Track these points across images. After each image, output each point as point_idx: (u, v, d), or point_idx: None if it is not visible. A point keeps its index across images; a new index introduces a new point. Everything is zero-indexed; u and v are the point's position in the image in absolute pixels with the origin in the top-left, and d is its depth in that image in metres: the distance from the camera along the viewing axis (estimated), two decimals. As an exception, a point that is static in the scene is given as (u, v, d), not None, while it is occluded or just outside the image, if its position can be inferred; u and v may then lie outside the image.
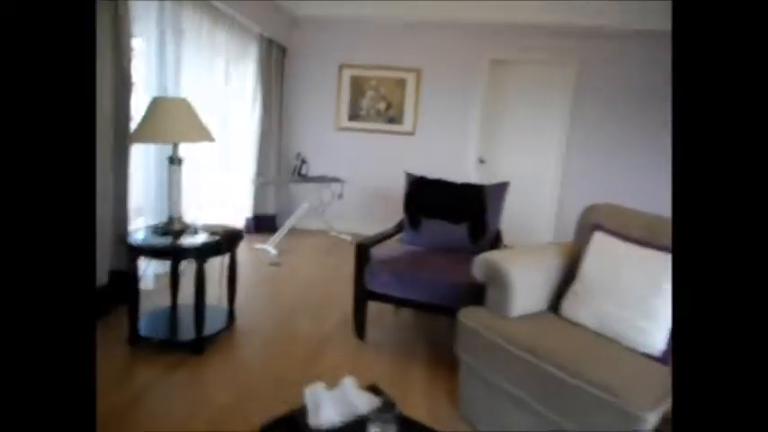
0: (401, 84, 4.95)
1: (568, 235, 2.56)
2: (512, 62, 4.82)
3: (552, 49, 4.69)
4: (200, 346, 2.25)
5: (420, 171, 4.97)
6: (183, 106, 2.28)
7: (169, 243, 2.20)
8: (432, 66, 4.89)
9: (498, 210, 2.75)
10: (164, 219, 3.10)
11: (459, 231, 2.73)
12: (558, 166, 4.85)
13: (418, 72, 4.91)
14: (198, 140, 2.27)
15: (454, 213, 2.76)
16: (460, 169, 4.99)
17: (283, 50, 4.96)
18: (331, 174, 5.06)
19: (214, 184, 4.02)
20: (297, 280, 3.51)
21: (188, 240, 2.24)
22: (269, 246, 4.17)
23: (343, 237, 4.91)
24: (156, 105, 2.23)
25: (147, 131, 2.19)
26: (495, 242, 2.70)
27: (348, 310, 2.93)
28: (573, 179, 4.83)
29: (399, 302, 2.36)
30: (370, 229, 5.12)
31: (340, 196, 4.83)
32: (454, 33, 4.82)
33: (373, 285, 2.39)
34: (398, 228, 2.94)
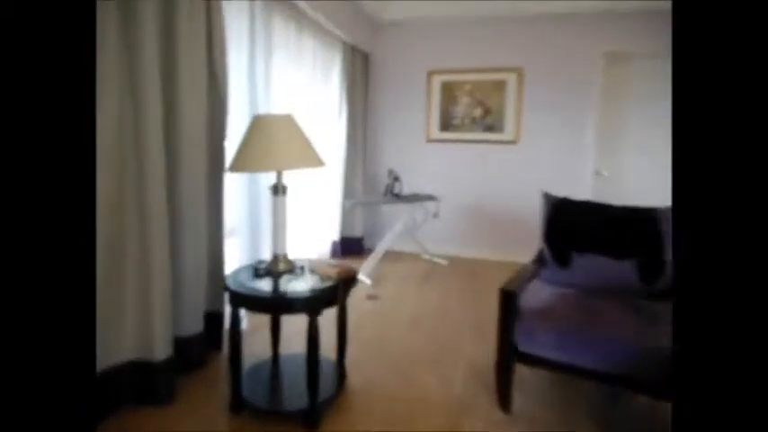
0: (500, 86, 4.38)
1: None
2: (629, 55, 4.10)
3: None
4: (315, 418, 1.82)
5: (523, 186, 4.36)
6: (289, 125, 1.89)
7: (275, 292, 1.79)
8: (535, 63, 4.29)
9: (677, 240, 2.10)
10: (256, 241, 2.81)
11: (626, 269, 2.12)
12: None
13: (519, 72, 4.32)
14: (308, 166, 1.87)
15: (616, 246, 2.15)
16: (574, 183, 4.31)
17: (366, 57, 4.58)
18: (422, 190, 4.58)
19: (300, 207, 3.68)
20: (401, 317, 3.04)
21: (296, 286, 1.83)
22: (362, 274, 3.74)
23: (438, 260, 4.39)
24: (259, 125, 1.85)
25: (251, 158, 1.81)
26: (677, 283, 2.06)
27: (475, 360, 2.41)
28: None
29: (565, 370, 1.79)
30: (466, 252, 4.57)
31: (435, 215, 4.33)
32: (559, 23, 4.19)
33: (527, 345, 1.85)
34: (537, 262, 2.37)
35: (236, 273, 1.97)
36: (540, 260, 2.36)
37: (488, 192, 4.53)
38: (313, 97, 3.75)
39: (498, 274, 4.09)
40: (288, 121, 1.89)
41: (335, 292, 1.85)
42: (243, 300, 1.78)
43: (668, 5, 3.85)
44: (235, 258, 2.66)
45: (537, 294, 2.10)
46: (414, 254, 4.61)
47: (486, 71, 4.39)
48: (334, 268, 1.95)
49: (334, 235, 4.35)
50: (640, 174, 4.23)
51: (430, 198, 4.16)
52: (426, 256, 4.49)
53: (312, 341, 1.78)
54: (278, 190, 1.93)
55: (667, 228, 2.10)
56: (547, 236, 2.29)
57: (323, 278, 1.89)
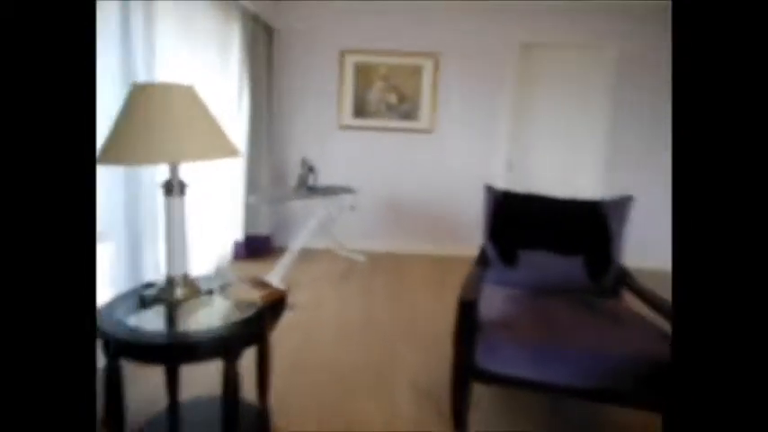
0: (416, 72, 4.16)
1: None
2: (545, 46, 4.15)
3: (591, 31, 4.05)
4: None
5: (439, 175, 4.22)
6: (188, 99, 1.39)
7: (172, 333, 1.31)
8: (452, 50, 4.13)
9: (621, 234, 2.03)
10: (136, 252, 2.20)
11: (573, 266, 2.00)
12: (600, 173, 4.24)
13: (436, 57, 4.13)
14: (217, 156, 1.40)
15: (563, 241, 2.03)
16: (487, 174, 4.28)
17: (270, 32, 4.03)
18: (337, 181, 4.20)
19: (195, 203, 3.08)
20: (324, 330, 2.66)
21: (203, 319, 1.37)
22: (274, 278, 3.27)
23: (356, 257, 4.07)
24: (141, 99, 1.33)
25: (130, 145, 1.28)
26: (622, 279, 1.99)
27: (417, 375, 2.14)
28: (617, 189, 4.23)
29: (536, 387, 1.59)
30: (384, 245, 4.32)
31: (352, 209, 3.99)
32: (478, 11, 4.08)
33: (488, 362, 1.61)
34: (480, 261, 2.17)
35: (112, 305, 1.43)
36: (482, 259, 2.16)
37: (405, 182, 4.31)
38: (207, 76, 3.14)
39: (418, 268, 3.90)
40: (186, 94, 1.39)
41: (260, 324, 1.42)
42: (124, 347, 1.26)
43: (579, 2, 3.94)
44: (104, 277, 2.04)
45: (487, 300, 1.89)
46: (328, 250, 4.23)
47: (403, 55, 4.13)
48: (255, 289, 1.51)
49: (237, 234, 3.78)
50: (545, 164, 4.33)
51: (346, 190, 3.80)
52: (342, 253, 4.14)
53: (231, 387, 1.34)
54: (173, 188, 1.43)
55: (612, 222, 2.02)
56: (491, 233, 2.09)
57: (241, 305, 1.45)
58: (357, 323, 2.76)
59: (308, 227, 3.62)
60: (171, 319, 1.37)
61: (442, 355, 2.35)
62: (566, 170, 4.34)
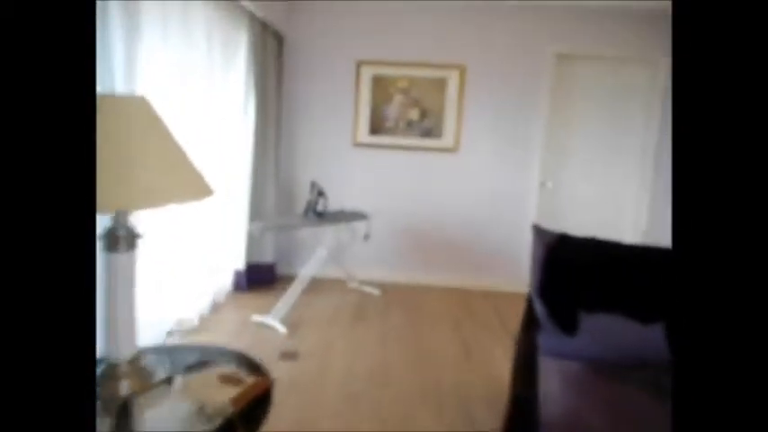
0: (440, 85, 3.76)
1: None
2: (583, 58, 3.72)
3: (636, 42, 3.62)
4: None
5: (464, 199, 3.78)
6: (140, 118, 1.00)
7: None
8: (480, 61, 3.73)
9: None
10: None
11: (651, 336, 1.54)
12: (644, 194, 3.76)
13: (462, 69, 3.73)
14: (180, 200, 1.00)
15: (639, 303, 1.57)
16: (518, 196, 3.83)
17: (281, 40, 3.69)
18: (349, 206, 3.80)
19: (187, 234, 2.70)
20: (331, 386, 2.23)
21: (158, 426, 0.96)
22: (272, 319, 2.86)
23: (369, 289, 3.64)
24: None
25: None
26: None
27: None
28: (663, 210, 3.74)
29: None
30: (401, 277, 3.88)
31: (366, 237, 3.57)
32: (508, 17, 3.68)
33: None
34: (527, 324, 1.72)
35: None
36: (530, 320, 1.71)
37: (425, 206, 3.89)
38: (207, 87, 2.78)
39: (440, 303, 3.44)
40: (137, 109, 1.00)
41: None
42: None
43: (622, 6, 3.51)
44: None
45: (538, 380, 1.44)
46: (338, 281, 3.81)
47: (425, 66, 3.74)
48: (228, 384, 1.10)
49: (238, 263, 3.39)
50: (584, 184, 3.87)
51: (360, 216, 3.39)
52: (354, 285, 3.72)
53: None
54: (115, 241, 1.02)
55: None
56: (541, 287, 1.65)
57: (205, 411, 1.03)
58: (370, 379, 2.32)
59: (316, 257, 3.21)
60: (116, 427, 0.95)
61: (472, 425, 1.90)
62: (605, 194, 3.87)
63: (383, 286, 3.76)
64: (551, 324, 1.62)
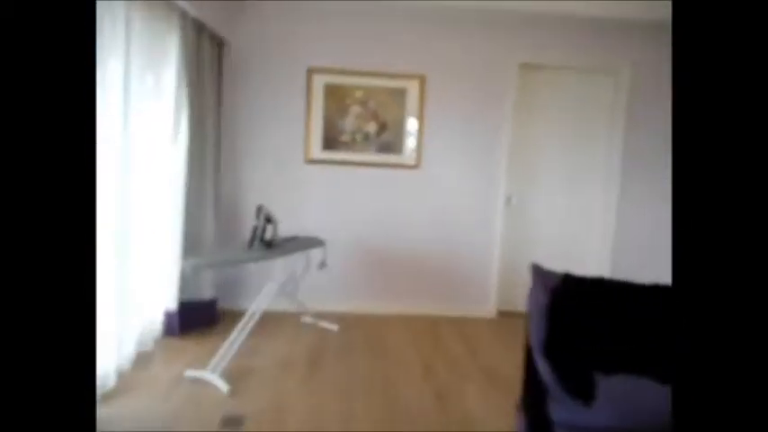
0: (399, 96, 3.45)
1: None
2: (547, 68, 3.55)
3: (599, 52, 3.49)
4: None
5: (428, 219, 3.48)
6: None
7: None
8: (440, 71, 3.46)
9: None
10: None
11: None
12: (611, 210, 3.61)
13: (422, 79, 3.44)
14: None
15: (666, 359, 1.29)
16: (483, 213, 3.57)
17: (220, 44, 3.25)
18: (302, 230, 3.38)
19: (100, 271, 2.20)
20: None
21: None
22: (210, 373, 2.38)
23: (326, 325, 3.22)
24: None
25: None
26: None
27: None
28: (631, 223, 3.61)
29: None
30: (361, 306, 3.50)
31: (322, 265, 3.16)
32: (471, 26, 3.45)
33: None
34: (528, 395, 1.39)
35: None
36: (533, 387, 1.38)
37: (386, 228, 3.54)
38: (125, 98, 2.30)
39: (406, 336, 3.09)
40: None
41: None
42: None
43: (587, 16, 3.37)
44: None
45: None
46: (290, 315, 3.37)
47: (383, 75, 3.42)
48: None
49: (169, 302, 2.88)
50: (549, 200, 3.68)
51: (315, 243, 2.99)
52: (309, 319, 3.29)
53: None
54: None
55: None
56: (547, 346, 1.33)
57: None
58: (332, 449, 1.91)
59: (264, 292, 2.76)
60: None
61: None
62: (572, 208, 3.70)
63: (342, 319, 3.35)
64: (562, 390, 1.30)
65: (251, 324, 2.61)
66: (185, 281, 2.93)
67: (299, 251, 2.82)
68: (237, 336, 2.53)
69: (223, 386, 2.31)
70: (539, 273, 1.40)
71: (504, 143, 3.52)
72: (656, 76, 3.50)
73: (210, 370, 2.39)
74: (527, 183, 3.66)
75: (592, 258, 3.72)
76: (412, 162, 3.50)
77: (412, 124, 3.46)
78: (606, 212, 3.65)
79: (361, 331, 3.19)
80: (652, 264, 3.60)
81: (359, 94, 3.42)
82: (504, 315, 3.67)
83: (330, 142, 3.45)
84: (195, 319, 3.03)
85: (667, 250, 3.62)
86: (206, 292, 3.11)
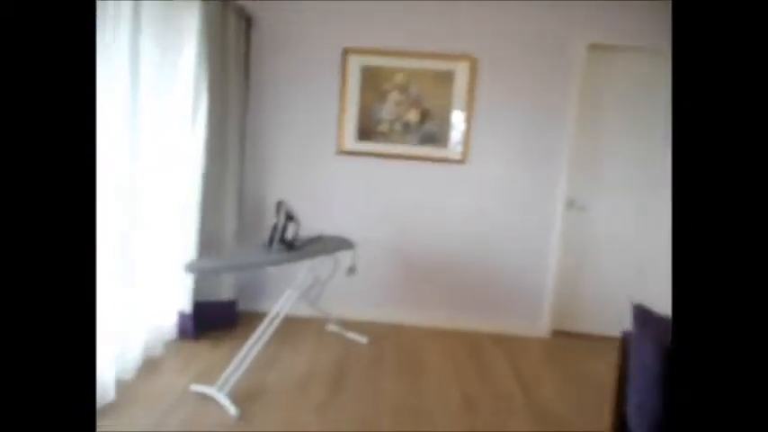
0: (445, 79, 3.03)
1: None
2: (621, 49, 3.02)
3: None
4: None
5: (474, 221, 3.05)
6: None
7: None
8: (495, 52, 3.01)
9: None
10: None
11: None
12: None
13: (472, 62, 3.01)
14: None
15: None
16: (540, 218, 3.10)
17: (248, 21, 2.95)
18: (330, 230, 3.05)
19: (106, 271, 1.95)
20: None
21: None
22: (218, 390, 2.08)
23: (353, 336, 2.88)
24: None
25: None
26: None
27: None
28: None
29: None
30: (394, 316, 3.13)
31: (351, 272, 2.82)
32: (531, 0, 2.97)
33: None
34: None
35: None
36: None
37: (425, 231, 3.14)
38: (133, 82, 2.03)
39: (444, 356, 2.69)
40: None
41: None
42: None
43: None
44: None
45: None
46: (314, 321, 3.05)
47: (427, 57, 3.01)
48: None
49: (184, 303, 2.62)
50: (617, 204, 3.15)
51: (343, 244, 2.64)
52: (334, 328, 2.95)
53: None
54: None
55: None
56: (660, 428, 0.90)
57: None
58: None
59: (285, 298, 2.44)
60: None
61: None
62: (645, 212, 3.15)
63: (372, 330, 3.00)
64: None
65: (270, 331, 2.30)
66: (202, 281, 2.66)
67: (325, 254, 2.48)
68: (253, 345, 2.23)
69: (231, 408, 2.00)
70: (644, 318, 0.97)
71: (568, 138, 3.02)
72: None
73: (219, 386, 2.09)
74: (593, 185, 3.15)
75: (664, 276, 3.16)
76: (458, 156, 3.07)
77: (459, 113, 3.04)
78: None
79: (392, 346, 2.82)
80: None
81: (399, 77, 3.03)
82: (560, 335, 3.19)
83: (366, 132, 3.08)
84: (212, 321, 2.77)
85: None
86: (225, 293, 2.84)
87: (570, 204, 3.14)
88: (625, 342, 1.06)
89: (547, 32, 2.98)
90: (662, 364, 0.91)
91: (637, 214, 3.15)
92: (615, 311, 3.21)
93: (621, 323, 3.21)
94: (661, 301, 3.16)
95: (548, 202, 3.08)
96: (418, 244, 3.14)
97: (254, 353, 2.22)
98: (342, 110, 3.06)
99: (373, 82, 3.04)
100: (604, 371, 2.68)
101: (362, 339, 2.84)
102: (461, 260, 3.14)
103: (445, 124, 3.05)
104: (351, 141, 3.09)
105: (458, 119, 3.04)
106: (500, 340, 3.05)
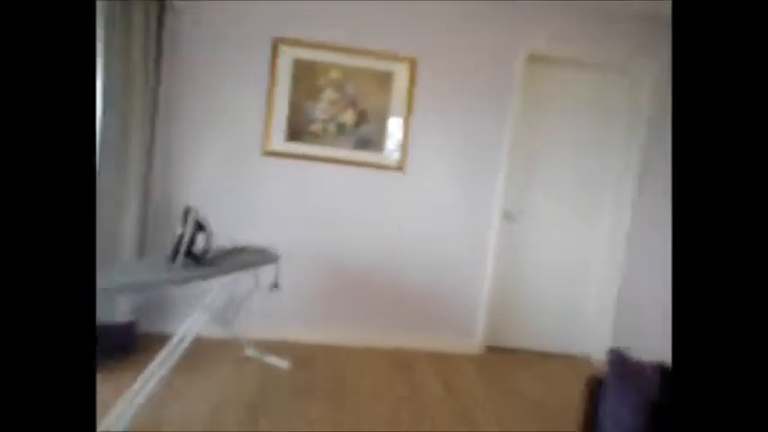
0: (383, 81, 2.84)
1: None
2: (561, 62, 3.00)
3: (622, 45, 2.96)
4: None
5: (410, 232, 2.88)
6: None
7: None
8: (435, 55, 2.87)
9: None
10: None
11: None
12: (622, 231, 3.08)
13: (412, 64, 2.84)
14: None
15: None
16: (475, 229, 2.99)
17: (161, 5, 2.56)
18: (251, 240, 2.73)
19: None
20: None
21: None
22: (113, 426, 1.70)
23: (274, 361, 2.57)
24: None
25: None
26: None
27: None
28: (643, 253, 3.09)
29: None
30: (321, 335, 2.85)
31: (274, 287, 2.51)
32: (475, 4, 2.87)
33: None
34: None
35: None
36: None
37: (358, 241, 2.91)
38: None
39: (377, 378, 2.46)
40: None
41: None
42: None
43: (610, 6, 2.83)
44: None
45: None
46: (229, 343, 2.70)
47: (366, 54, 2.80)
48: None
49: (67, 327, 2.17)
50: (555, 216, 3.13)
51: (265, 258, 2.33)
52: (253, 353, 2.62)
53: None
54: None
55: None
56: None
57: None
58: None
59: (194, 320, 2.09)
60: None
61: None
62: (581, 225, 3.15)
63: (297, 352, 2.71)
64: None
65: (175, 358, 1.94)
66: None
67: (241, 270, 2.16)
68: (153, 374, 1.86)
69: (113, 459, 1.63)
70: (622, 366, 0.79)
71: (506, 149, 2.94)
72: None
73: (108, 425, 1.71)
74: (529, 197, 3.10)
75: (598, 289, 3.18)
76: (395, 163, 2.88)
77: (397, 118, 2.85)
78: (617, 234, 3.11)
79: (318, 369, 2.55)
80: (665, 289, 3.09)
81: (335, 74, 2.79)
82: (493, 351, 3.09)
83: (296, 132, 2.80)
84: (105, 346, 2.33)
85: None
86: (121, 313, 2.41)
87: (507, 215, 3.07)
88: (592, 386, 0.90)
89: (489, 39, 2.88)
90: (646, 420, 0.74)
91: (572, 227, 3.13)
92: (550, 326, 3.17)
93: (555, 338, 3.18)
94: (595, 317, 3.17)
95: (484, 214, 2.98)
96: (349, 256, 2.90)
97: (153, 383, 1.86)
98: (270, 106, 2.76)
99: (306, 77, 2.77)
100: (540, 390, 2.59)
101: (284, 364, 2.54)
102: (395, 274, 2.95)
103: (382, 128, 2.85)
104: (279, 141, 2.79)
105: (396, 123, 2.85)
106: (434, 357, 2.88)
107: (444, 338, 3.02)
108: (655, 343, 3.08)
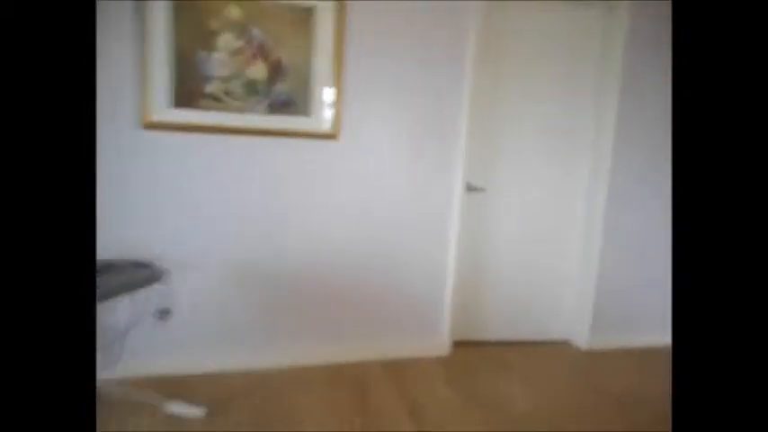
0: (302, 22, 2.14)
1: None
2: (521, 1, 2.45)
3: (590, -25, 2.45)
4: None
5: (349, 216, 2.27)
6: None
7: None
8: (369, -13, 2.21)
9: None
10: None
11: None
12: (601, 180, 2.65)
13: (340, 1, 2.16)
14: None
15: None
16: (432, 207, 2.43)
17: None
18: (128, 252, 1.98)
19: None
20: None
21: None
22: None
23: (181, 410, 1.89)
24: None
25: None
26: None
27: None
28: (623, 210, 2.70)
29: None
30: (247, 360, 2.17)
31: (164, 314, 1.81)
32: None
33: None
34: None
35: None
36: None
37: (285, 236, 2.26)
38: None
39: (330, 402, 1.86)
40: None
41: None
42: None
43: None
44: None
45: None
46: (115, 390, 1.98)
47: (273, -17, 2.08)
48: None
49: None
50: (527, 185, 2.65)
51: (148, 276, 1.62)
52: (148, 400, 1.93)
53: None
54: None
55: None
56: None
57: None
58: None
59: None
60: None
61: None
62: (552, 193, 2.70)
63: (212, 390, 2.04)
64: None
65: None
66: None
67: (114, 295, 1.45)
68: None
69: None
70: None
71: (462, 107, 2.38)
72: (664, 17, 2.55)
73: None
74: (495, 164, 2.58)
75: (576, 268, 2.76)
76: (326, 130, 2.23)
77: (325, 70, 2.18)
78: (593, 202, 2.69)
79: (246, 408, 1.91)
80: (645, 267, 2.74)
81: (234, 13, 2.05)
82: (463, 347, 2.61)
83: (187, 95, 2.05)
84: None
85: (666, 252, 2.77)
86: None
87: (470, 188, 2.54)
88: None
89: (433, -35, 2.26)
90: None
91: (543, 196, 2.67)
92: (524, 312, 2.74)
93: (530, 325, 2.76)
94: (573, 299, 2.77)
95: (443, 187, 2.42)
96: (272, 256, 2.24)
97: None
98: (145, 61, 1.98)
99: (193, 18, 2.01)
100: (530, 393, 2.13)
101: (198, 411, 1.87)
102: (337, 273, 2.34)
103: (305, 85, 2.17)
104: (162, 109, 2.02)
105: (323, 78, 2.18)
106: (392, 368, 2.34)
107: (403, 342, 2.48)
108: (637, 323, 2.75)
